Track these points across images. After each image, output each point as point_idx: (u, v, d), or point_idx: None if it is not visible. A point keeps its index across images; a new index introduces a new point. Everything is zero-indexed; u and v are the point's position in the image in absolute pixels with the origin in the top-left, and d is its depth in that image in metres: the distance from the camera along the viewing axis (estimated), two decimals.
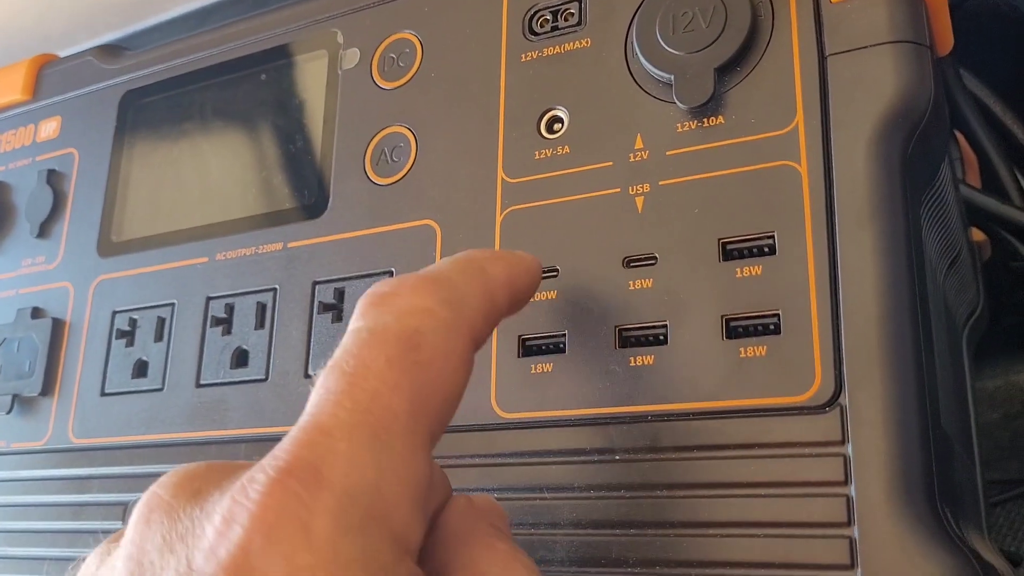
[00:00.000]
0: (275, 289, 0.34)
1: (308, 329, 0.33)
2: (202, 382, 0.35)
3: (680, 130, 0.28)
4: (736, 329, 0.26)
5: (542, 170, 0.30)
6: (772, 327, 0.26)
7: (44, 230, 0.42)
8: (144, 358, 0.37)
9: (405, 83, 0.34)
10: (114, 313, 0.38)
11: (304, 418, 0.20)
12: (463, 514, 0.23)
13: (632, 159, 0.29)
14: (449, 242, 0.31)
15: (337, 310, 0.33)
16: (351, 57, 0.36)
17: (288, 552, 0.18)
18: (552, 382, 0.28)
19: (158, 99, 0.40)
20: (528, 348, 0.29)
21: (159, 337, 0.36)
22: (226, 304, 0.35)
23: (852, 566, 0.23)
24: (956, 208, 0.35)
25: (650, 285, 0.28)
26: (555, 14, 0.32)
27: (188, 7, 0.58)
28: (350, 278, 0.33)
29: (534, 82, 0.31)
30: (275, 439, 0.32)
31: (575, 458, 0.27)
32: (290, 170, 0.36)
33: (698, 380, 0.26)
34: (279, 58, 0.38)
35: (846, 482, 0.24)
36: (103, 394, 0.37)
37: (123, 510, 0.35)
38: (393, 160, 0.33)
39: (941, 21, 0.28)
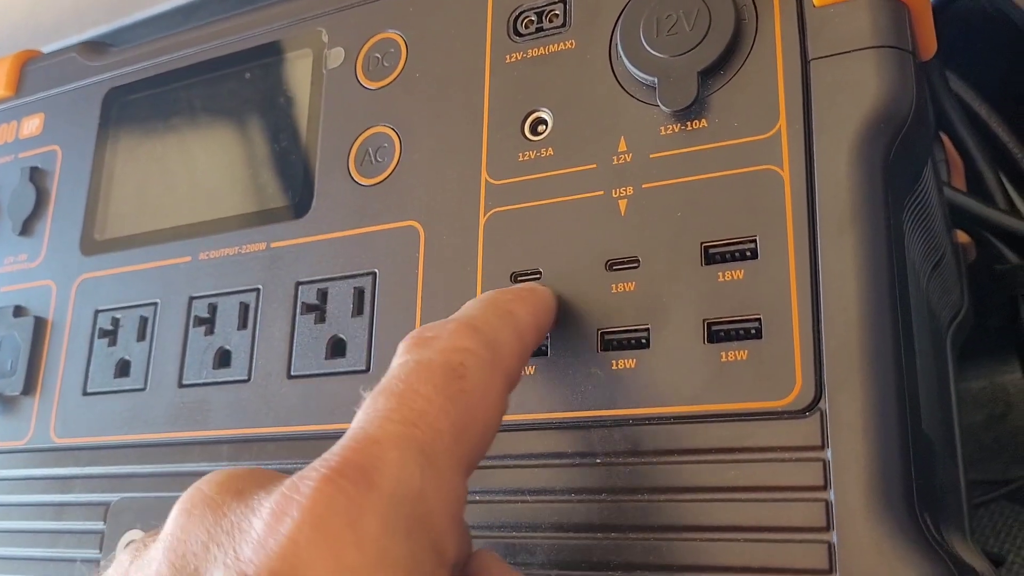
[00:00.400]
0: (258, 289, 0.34)
1: (291, 330, 0.33)
2: (184, 382, 0.35)
3: (664, 133, 0.28)
4: (718, 333, 0.26)
5: (526, 172, 0.30)
6: (753, 331, 0.26)
7: (27, 228, 0.41)
8: (126, 357, 0.37)
9: (390, 83, 0.34)
10: (96, 312, 0.38)
11: (352, 431, 0.21)
12: (494, 562, 0.24)
13: (616, 162, 0.29)
14: (432, 243, 0.31)
15: (320, 311, 0.33)
16: (336, 56, 0.35)
17: (336, 547, 0.19)
18: (534, 385, 0.28)
19: (142, 96, 0.40)
20: None
21: (142, 336, 0.36)
22: (209, 304, 0.35)
23: (831, 571, 0.23)
24: (940, 211, 0.35)
25: (632, 288, 0.28)
26: (540, 15, 0.32)
27: (177, 1, 0.58)
28: (333, 279, 0.33)
29: (518, 83, 0.31)
30: (258, 440, 0.33)
31: (556, 461, 0.27)
32: (274, 170, 0.36)
33: (679, 384, 0.26)
34: (263, 57, 0.37)
35: (825, 487, 0.24)
36: (85, 393, 0.37)
37: (105, 510, 0.35)
38: (377, 160, 0.33)
39: (924, 26, 0.28)
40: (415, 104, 0.33)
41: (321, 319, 0.33)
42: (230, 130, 0.38)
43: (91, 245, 0.39)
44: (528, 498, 0.27)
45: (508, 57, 0.32)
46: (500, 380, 0.24)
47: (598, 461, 0.27)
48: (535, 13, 0.32)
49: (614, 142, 0.29)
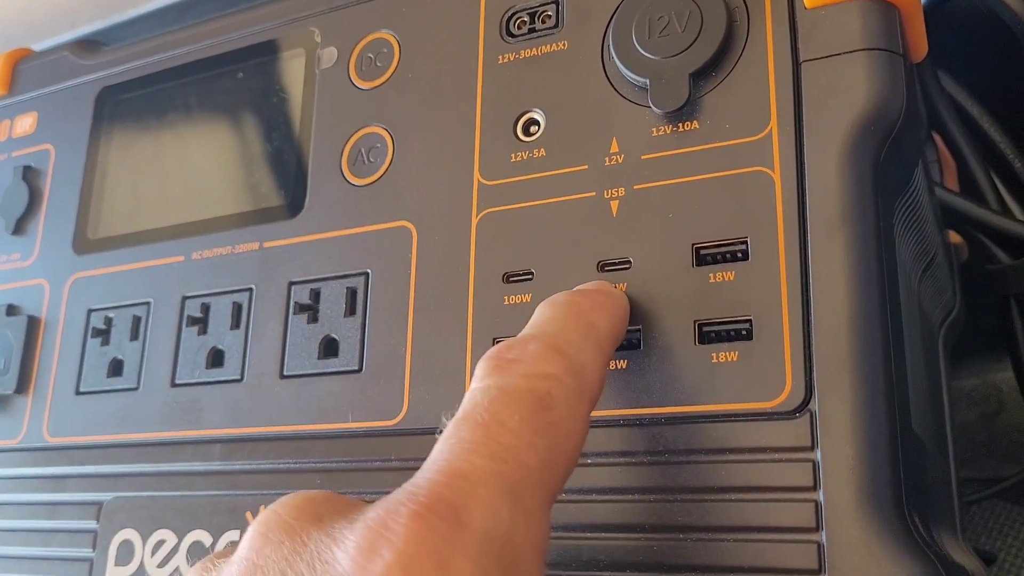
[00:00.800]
0: (251, 289, 0.34)
1: (284, 329, 0.33)
2: (177, 382, 0.35)
3: (655, 134, 0.29)
4: (709, 334, 0.26)
5: (518, 173, 0.30)
6: (744, 332, 0.26)
7: (20, 227, 0.41)
8: (119, 357, 0.37)
9: (382, 83, 0.34)
10: (89, 311, 0.38)
11: (437, 462, 0.21)
12: None
13: (607, 163, 0.29)
14: (425, 244, 0.31)
15: (313, 311, 0.33)
16: (329, 56, 0.35)
17: None
18: None
19: (135, 96, 0.40)
20: None
21: (134, 336, 0.36)
22: (202, 303, 0.35)
23: (820, 571, 0.24)
24: (931, 212, 0.35)
25: (624, 289, 0.28)
26: (532, 16, 0.32)
27: None
28: (326, 279, 0.33)
29: (511, 84, 0.31)
30: (250, 439, 0.33)
31: None
32: (266, 169, 0.36)
33: (670, 385, 0.26)
34: (256, 56, 0.37)
35: (815, 487, 0.24)
36: (78, 393, 0.37)
37: (98, 509, 0.35)
38: (370, 161, 0.33)
39: (915, 28, 0.28)
40: (408, 104, 0.33)
41: (314, 319, 0.33)
42: (223, 130, 0.38)
43: (84, 244, 0.39)
44: None
45: (501, 58, 0.32)
46: (586, 407, 0.23)
47: (588, 462, 0.27)
48: (528, 14, 0.32)
49: (606, 143, 0.29)
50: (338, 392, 0.31)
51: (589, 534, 0.26)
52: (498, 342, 0.29)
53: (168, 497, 0.34)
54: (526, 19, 0.32)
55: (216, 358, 0.34)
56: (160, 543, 0.33)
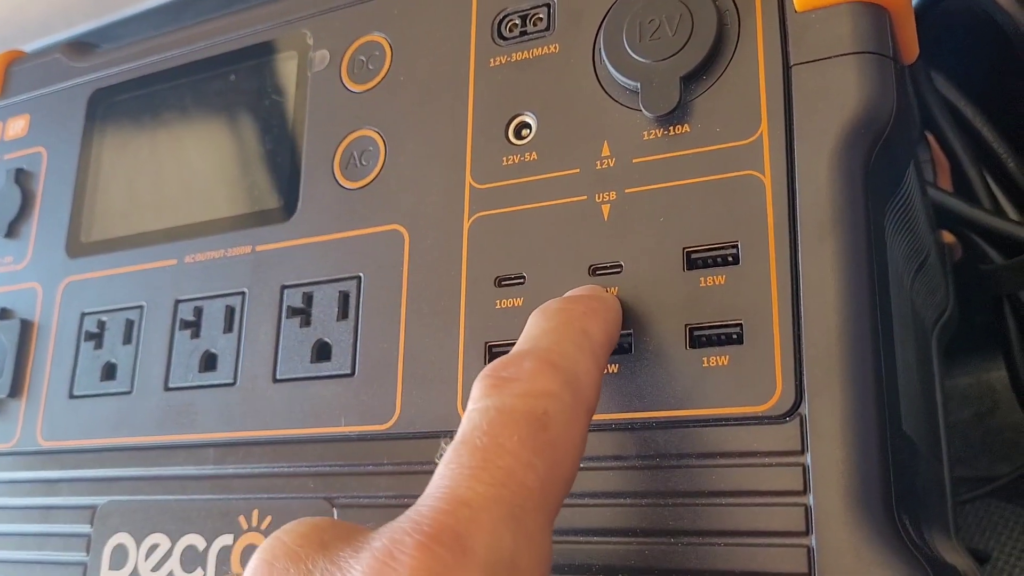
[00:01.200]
0: (244, 292, 0.34)
1: (276, 333, 0.33)
2: (170, 385, 0.35)
3: (646, 138, 0.29)
4: (700, 338, 0.27)
5: (510, 176, 0.30)
6: (735, 336, 0.26)
7: (12, 230, 0.41)
8: (113, 361, 0.37)
9: (374, 86, 0.34)
10: (83, 315, 0.38)
11: (439, 489, 0.21)
12: None
13: (599, 166, 0.29)
14: (417, 247, 0.31)
15: (305, 314, 0.33)
16: (321, 59, 0.35)
17: None
18: None
19: (127, 98, 0.40)
20: (495, 355, 0.29)
21: (128, 340, 0.36)
22: (195, 307, 0.35)
23: (810, 574, 0.24)
24: (923, 212, 0.35)
25: (615, 293, 0.28)
26: (524, 19, 0.32)
27: None
28: (318, 283, 0.33)
29: (503, 87, 0.31)
30: (244, 443, 0.33)
31: None
32: (259, 173, 0.36)
33: (662, 389, 0.26)
34: (248, 59, 0.37)
35: (805, 491, 0.24)
36: (71, 396, 0.37)
37: (91, 513, 0.35)
38: (362, 164, 0.33)
39: (906, 31, 0.28)
40: (400, 107, 0.33)
41: (306, 323, 0.33)
42: (215, 133, 0.38)
43: (77, 247, 0.39)
44: None
45: (492, 61, 0.32)
46: (583, 421, 0.23)
47: (580, 466, 0.27)
48: (519, 17, 0.32)
49: (597, 147, 0.29)
50: (331, 396, 0.31)
51: (581, 538, 0.26)
52: (490, 346, 0.29)
53: (162, 501, 0.34)
54: (517, 22, 0.32)
55: (209, 362, 0.34)
56: (154, 547, 0.33)
